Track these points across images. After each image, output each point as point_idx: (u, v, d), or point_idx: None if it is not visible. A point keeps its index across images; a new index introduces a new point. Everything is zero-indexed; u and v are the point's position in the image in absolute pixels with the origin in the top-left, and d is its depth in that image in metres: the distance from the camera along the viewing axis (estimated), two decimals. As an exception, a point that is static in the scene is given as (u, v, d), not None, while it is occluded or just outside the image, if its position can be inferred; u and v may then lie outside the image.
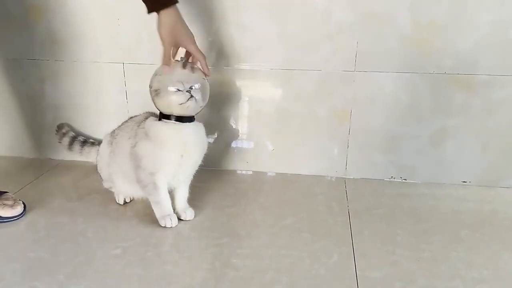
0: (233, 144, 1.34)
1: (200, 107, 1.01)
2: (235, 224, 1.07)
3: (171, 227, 1.03)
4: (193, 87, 0.97)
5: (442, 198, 1.20)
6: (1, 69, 1.37)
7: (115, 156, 1.09)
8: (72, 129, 1.38)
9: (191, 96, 0.96)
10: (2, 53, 1.35)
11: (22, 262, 0.91)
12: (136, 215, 1.09)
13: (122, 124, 1.13)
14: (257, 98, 1.29)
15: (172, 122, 1.00)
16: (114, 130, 1.14)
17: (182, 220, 1.07)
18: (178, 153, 1.00)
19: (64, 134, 1.35)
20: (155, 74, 1.00)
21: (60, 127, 1.37)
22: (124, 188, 1.12)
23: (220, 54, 1.25)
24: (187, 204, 1.09)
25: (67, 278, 0.86)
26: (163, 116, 1.01)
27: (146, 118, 1.06)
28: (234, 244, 0.98)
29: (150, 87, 1.00)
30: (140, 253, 0.95)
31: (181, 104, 0.97)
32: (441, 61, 1.17)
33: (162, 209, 1.04)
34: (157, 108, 1.02)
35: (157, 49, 1.27)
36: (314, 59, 1.22)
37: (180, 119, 1.00)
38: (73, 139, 1.33)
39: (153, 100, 1.00)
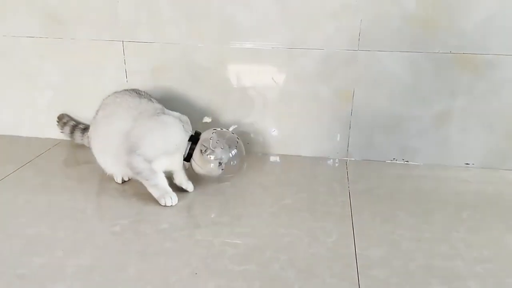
0: (234, 125, 1.32)
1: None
2: (235, 203, 1.06)
3: (172, 205, 1.03)
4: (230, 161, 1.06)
5: (445, 180, 1.19)
6: (0, 47, 1.35)
7: (104, 126, 1.08)
8: (71, 118, 1.38)
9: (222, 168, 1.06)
10: (0, 30, 1.34)
11: (21, 237, 0.91)
12: (135, 193, 1.09)
13: (114, 96, 1.11)
14: (258, 78, 1.27)
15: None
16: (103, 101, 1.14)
17: (185, 191, 1.09)
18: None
19: (65, 124, 1.36)
20: (213, 140, 1.05)
21: (60, 118, 1.38)
22: (103, 162, 1.11)
23: (220, 32, 1.23)
24: (186, 177, 1.10)
25: (66, 254, 0.86)
26: (192, 140, 1.06)
27: (163, 111, 1.07)
28: (233, 223, 0.98)
29: (203, 145, 1.05)
30: (139, 230, 0.95)
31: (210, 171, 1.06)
32: (447, 40, 1.14)
33: (160, 189, 1.04)
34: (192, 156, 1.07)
35: (156, 27, 1.26)
36: (317, 37, 1.20)
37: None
38: (73, 128, 1.35)
39: (194, 152, 1.06)
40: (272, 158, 1.32)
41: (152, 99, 1.10)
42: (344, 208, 1.04)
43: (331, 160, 1.30)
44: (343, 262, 0.85)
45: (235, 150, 1.08)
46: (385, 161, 1.28)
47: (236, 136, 1.11)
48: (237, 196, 1.10)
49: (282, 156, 1.33)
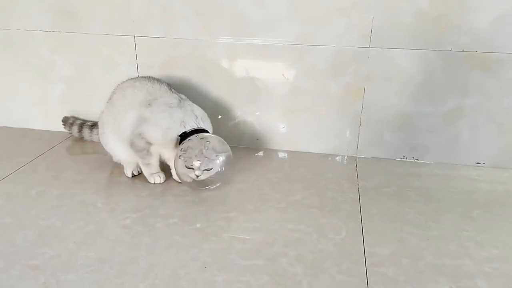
0: (243, 121, 1.33)
1: None
2: (243, 198, 1.07)
3: (160, 183, 1.12)
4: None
5: (454, 179, 1.18)
6: (13, 40, 1.37)
7: (122, 108, 1.11)
8: (77, 118, 1.40)
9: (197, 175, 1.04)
10: (14, 24, 1.35)
11: (34, 229, 0.93)
12: (145, 187, 1.10)
13: (132, 81, 1.15)
14: (268, 73, 1.27)
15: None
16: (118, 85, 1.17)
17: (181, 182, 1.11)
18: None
19: (71, 124, 1.37)
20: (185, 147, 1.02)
21: (65, 120, 1.39)
22: (111, 148, 1.15)
23: (231, 28, 1.24)
24: None
25: (77, 246, 0.88)
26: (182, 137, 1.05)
27: (180, 100, 1.09)
28: (242, 218, 0.99)
29: (183, 150, 1.02)
30: (149, 223, 0.96)
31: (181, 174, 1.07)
32: (459, 38, 1.13)
33: (151, 168, 1.12)
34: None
35: (168, 22, 1.26)
36: (328, 34, 1.19)
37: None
38: (81, 126, 1.36)
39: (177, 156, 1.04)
40: (281, 154, 1.32)
41: (172, 88, 1.13)
42: (353, 205, 1.04)
43: (340, 157, 1.30)
44: (351, 259, 0.85)
45: (221, 157, 1.06)
46: (394, 159, 1.28)
47: (216, 153, 1.05)
48: (246, 192, 1.10)
49: (291, 153, 1.33)
